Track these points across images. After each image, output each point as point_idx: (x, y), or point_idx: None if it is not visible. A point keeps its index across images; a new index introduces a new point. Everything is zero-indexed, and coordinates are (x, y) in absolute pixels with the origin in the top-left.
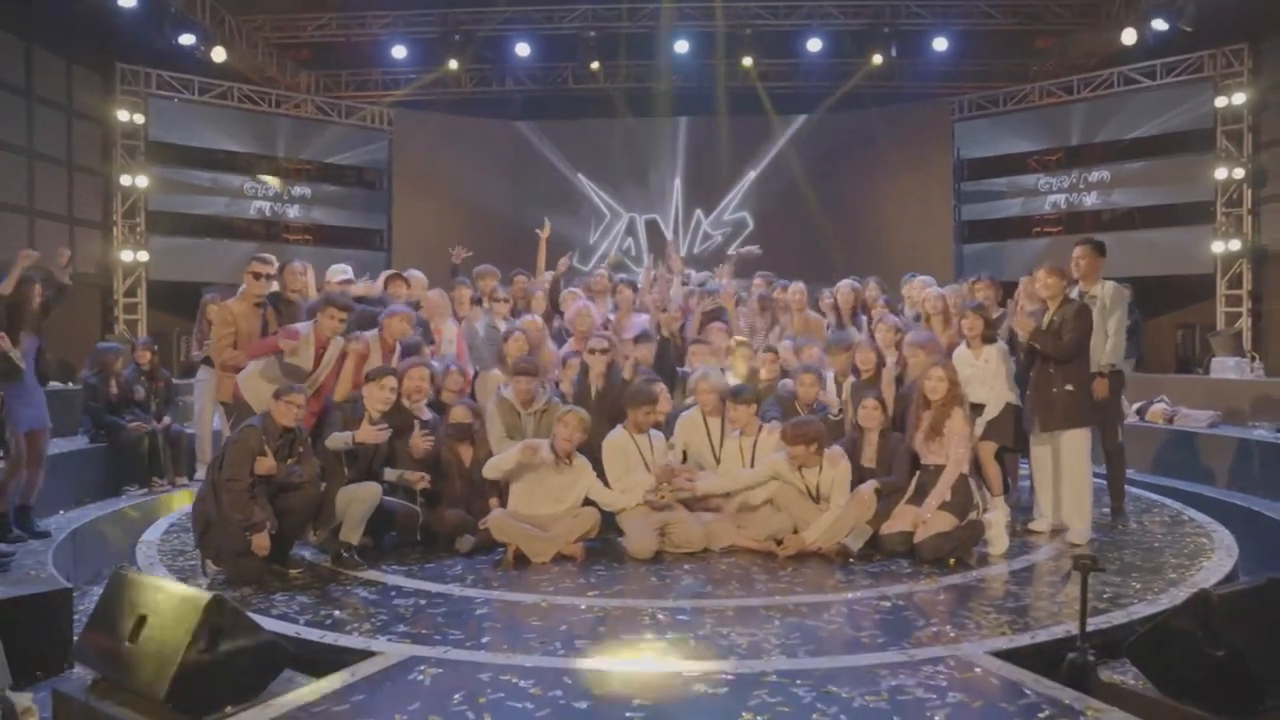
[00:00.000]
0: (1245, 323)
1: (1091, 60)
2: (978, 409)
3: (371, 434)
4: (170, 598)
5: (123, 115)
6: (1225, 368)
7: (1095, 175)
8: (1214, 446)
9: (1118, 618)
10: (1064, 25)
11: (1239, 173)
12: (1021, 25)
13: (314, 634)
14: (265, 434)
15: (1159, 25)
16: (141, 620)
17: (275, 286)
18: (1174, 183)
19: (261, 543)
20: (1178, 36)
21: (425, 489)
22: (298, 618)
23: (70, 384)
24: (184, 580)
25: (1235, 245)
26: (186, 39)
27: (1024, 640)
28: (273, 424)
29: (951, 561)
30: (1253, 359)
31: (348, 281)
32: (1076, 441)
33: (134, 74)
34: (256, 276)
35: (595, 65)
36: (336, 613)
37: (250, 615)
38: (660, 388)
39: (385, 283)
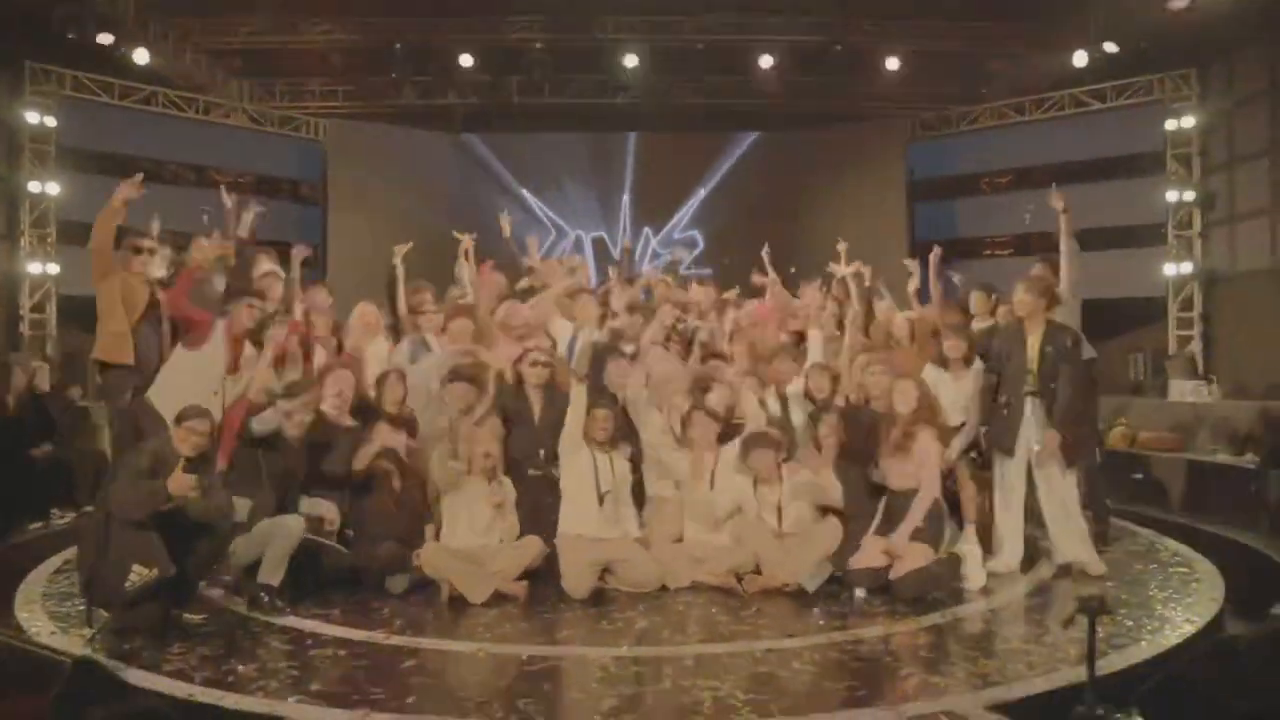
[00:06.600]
0: (1197, 345)
1: (1045, 82)
2: (956, 431)
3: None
4: (25, 661)
5: (32, 117)
6: (1183, 391)
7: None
8: (1175, 470)
9: (1117, 661)
10: (1016, 50)
11: (1189, 195)
12: (973, 48)
13: (212, 695)
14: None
15: (1110, 48)
16: None
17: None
18: (1125, 205)
19: None
20: (1128, 61)
21: (333, 530)
22: (194, 674)
23: None
24: (66, 631)
25: (1187, 268)
26: (105, 38)
27: (1022, 690)
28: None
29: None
30: (1209, 382)
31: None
32: (1076, 474)
33: (45, 73)
34: (137, 251)
35: (541, 78)
36: (240, 668)
37: (127, 679)
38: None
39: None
